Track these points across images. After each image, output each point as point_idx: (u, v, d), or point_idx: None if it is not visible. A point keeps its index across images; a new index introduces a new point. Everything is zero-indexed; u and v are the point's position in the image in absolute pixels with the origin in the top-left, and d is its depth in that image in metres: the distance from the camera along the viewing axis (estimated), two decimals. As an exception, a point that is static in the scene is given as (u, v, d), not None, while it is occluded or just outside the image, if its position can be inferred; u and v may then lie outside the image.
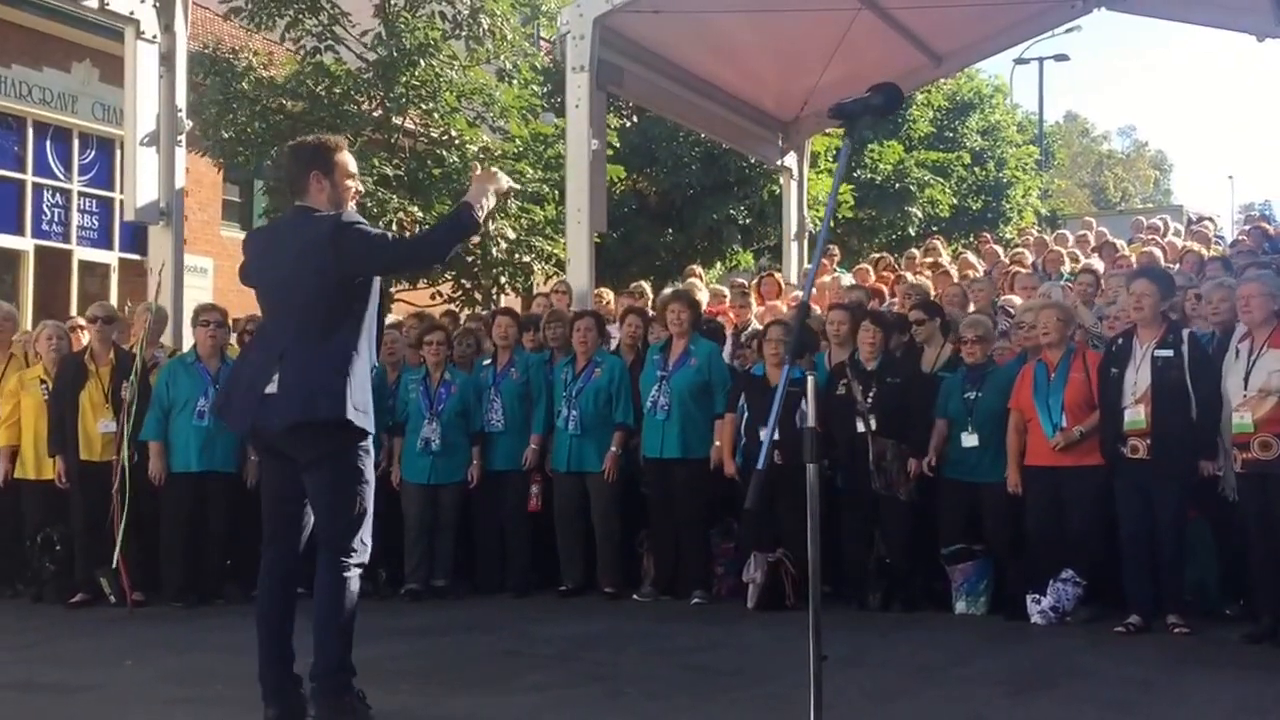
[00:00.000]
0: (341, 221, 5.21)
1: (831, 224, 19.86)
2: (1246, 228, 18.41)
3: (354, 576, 5.16)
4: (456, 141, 16.33)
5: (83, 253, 18.92)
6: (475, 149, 16.34)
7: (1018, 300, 10.77)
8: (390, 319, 11.88)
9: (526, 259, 17.06)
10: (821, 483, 4.39)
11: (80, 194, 18.95)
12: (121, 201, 17.75)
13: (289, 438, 5.13)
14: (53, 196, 18.60)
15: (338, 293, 5.18)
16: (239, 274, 5.58)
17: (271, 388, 5.08)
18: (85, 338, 9.88)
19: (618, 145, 15.71)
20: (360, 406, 5.13)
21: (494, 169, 5.93)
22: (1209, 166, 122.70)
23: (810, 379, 4.42)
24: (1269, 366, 7.32)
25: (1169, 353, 7.71)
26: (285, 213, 5.72)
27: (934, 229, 24.08)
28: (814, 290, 12.47)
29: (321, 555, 5.17)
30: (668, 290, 11.60)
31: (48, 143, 18.49)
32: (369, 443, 5.27)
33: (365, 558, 5.22)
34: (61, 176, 18.67)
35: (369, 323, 5.28)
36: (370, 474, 5.27)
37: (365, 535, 5.23)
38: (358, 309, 5.25)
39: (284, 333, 5.21)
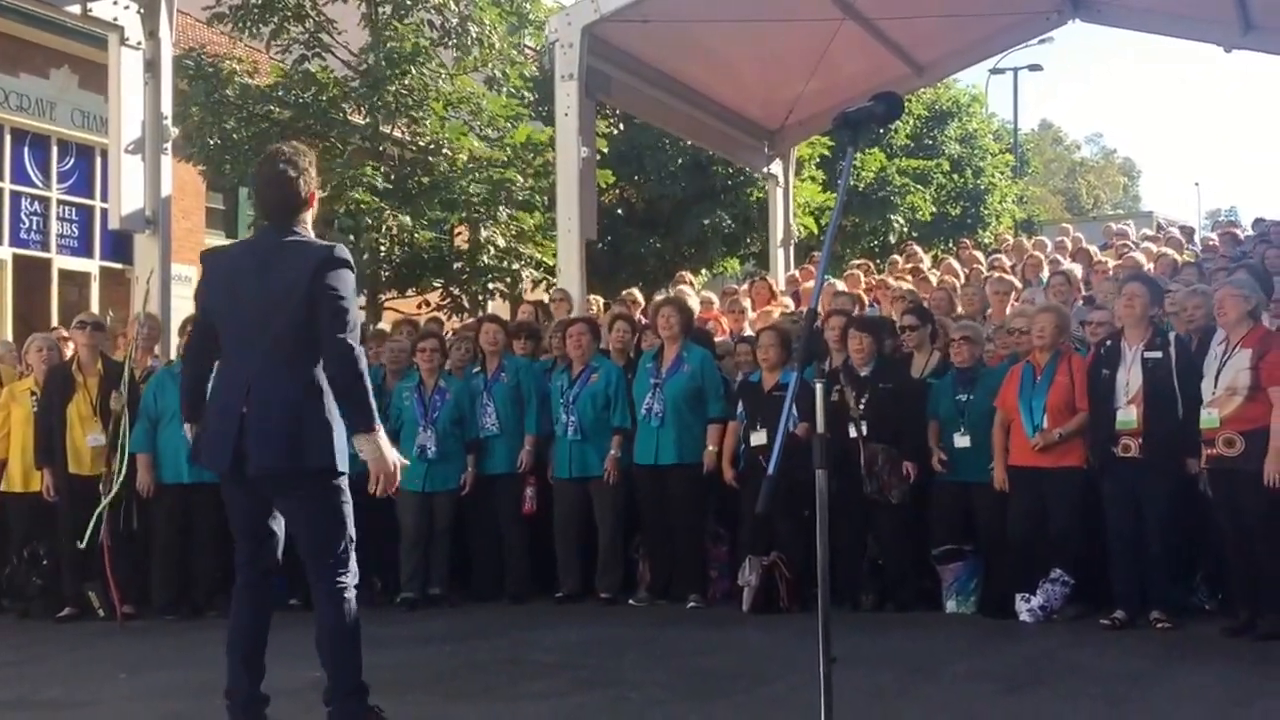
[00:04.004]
0: (337, 254, 5.02)
1: (816, 231, 20.04)
2: (1215, 234, 18.68)
3: (352, 597, 5.08)
4: (446, 150, 16.38)
5: (62, 261, 18.72)
6: (465, 157, 16.40)
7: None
8: (379, 327, 11.94)
9: (515, 266, 17.13)
10: (816, 487, 4.38)
11: (59, 202, 18.76)
12: (102, 209, 17.68)
13: (269, 480, 5.02)
14: (31, 204, 18.39)
15: (314, 323, 4.99)
16: (199, 298, 5.31)
17: (243, 411, 4.94)
18: (71, 348, 9.75)
19: (605, 151, 15.79)
20: (342, 449, 5.03)
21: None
22: (1176, 173, 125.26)
23: (819, 385, 4.39)
24: (1238, 365, 7.47)
25: (1158, 354, 7.89)
26: (267, 234, 5.24)
27: (915, 235, 24.47)
28: (805, 296, 12.58)
29: (319, 583, 5.09)
30: (659, 296, 11.65)
31: (25, 150, 18.29)
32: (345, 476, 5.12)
33: (357, 577, 5.14)
34: (40, 184, 18.49)
35: None
36: (348, 496, 5.12)
37: (353, 556, 5.14)
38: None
39: (249, 362, 5.02)
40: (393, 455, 5.05)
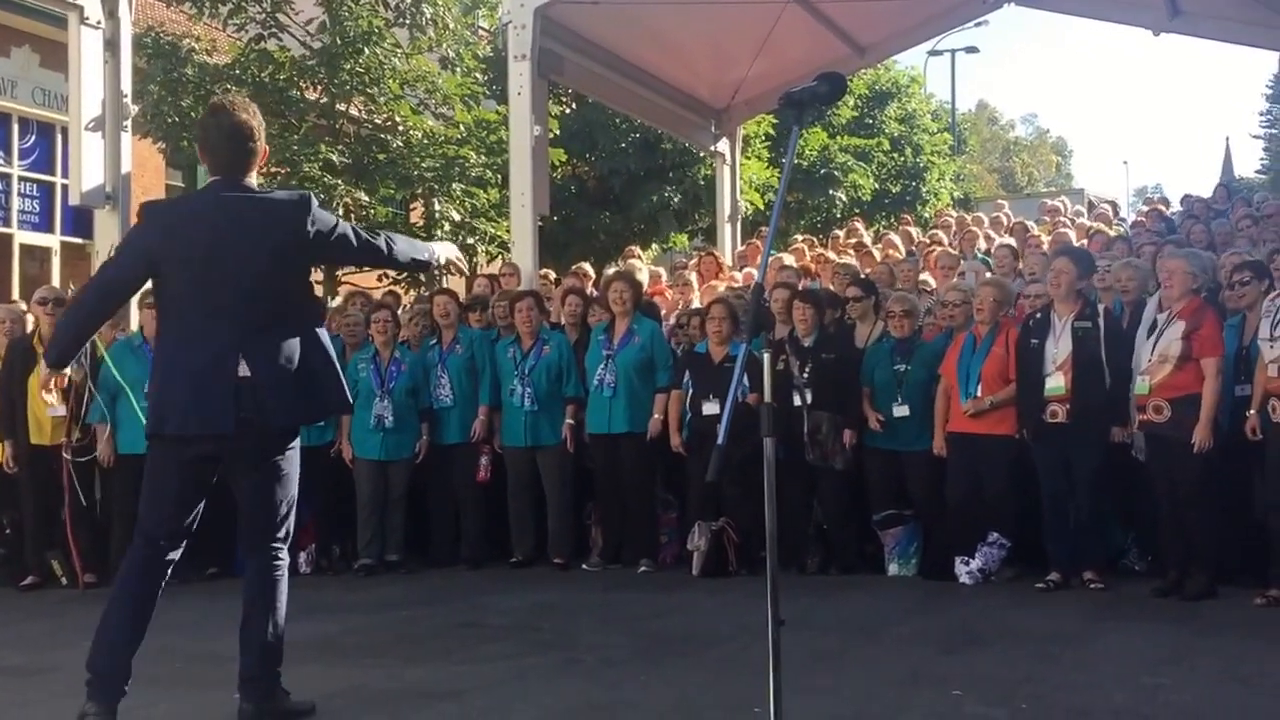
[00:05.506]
0: (313, 202, 4.93)
1: (762, 207, 20.24)
2: (1145, 209, 18.99)
3: (286, 578, 5.05)
4: (401, 127, 16.51)
5: (24, 236, 18.87)
6: (419, 134, 16.53)
7: (932, 280, 11.09)
8: (335, 302, 12.06)
9: (470, 241, 17.27)
10: (761, 454, 4.50)
11: (21, 178, 18.88)
12: (63, 186, 17.84)
13: (266, 435, 4.89)
14: (-7, 181, 18.57)
15: (302, 275, 5.03)
16: (136, 251, 4.92)
17: (244, 371, 4.76)
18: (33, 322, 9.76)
19: (558, 131, 15.97)
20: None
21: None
22: (1106, 152, 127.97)
23: (765, 356, 4.44)
24: (1172, 335, 7.68)
25: (1087, 324, 8.09)
26: (224, 188, 4.91)
27: (856, 211, 24.83)
28: (759, 270, 12.76)
29: (261, 552, 5.01)
30: (610, 270, 11.80)
31: (-13, 128, 18.43)
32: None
33: (289, 561, 5.14)
34: (1, 161, 18.60)
35: None
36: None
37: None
38: (311, 292, 5.19)
39: (230, 320, 4.78)
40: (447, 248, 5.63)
